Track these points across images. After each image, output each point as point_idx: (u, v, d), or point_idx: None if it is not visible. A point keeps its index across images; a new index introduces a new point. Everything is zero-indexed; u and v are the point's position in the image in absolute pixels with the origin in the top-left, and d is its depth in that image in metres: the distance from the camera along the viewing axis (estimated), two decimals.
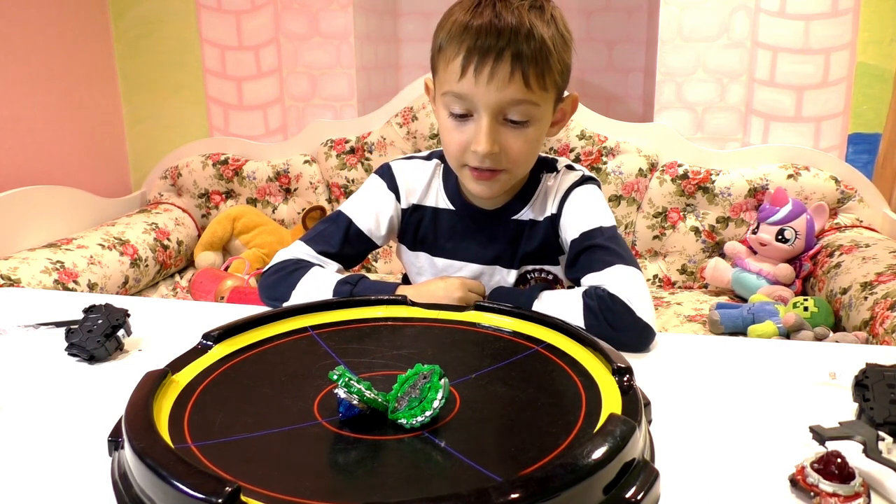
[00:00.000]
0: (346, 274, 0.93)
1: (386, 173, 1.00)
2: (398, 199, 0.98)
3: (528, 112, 0.83)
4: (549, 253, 0.96)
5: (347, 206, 0.99)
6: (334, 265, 0.96)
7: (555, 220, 0.94)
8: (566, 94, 0.91)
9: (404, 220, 0.99)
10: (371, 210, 0.98)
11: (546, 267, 0.97)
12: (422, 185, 0.98)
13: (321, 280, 0.90)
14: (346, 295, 0.86)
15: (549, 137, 0.92)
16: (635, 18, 2.22)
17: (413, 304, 0.81)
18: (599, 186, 0.96)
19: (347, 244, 0.97)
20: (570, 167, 0.96)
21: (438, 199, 0.98)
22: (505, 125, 0.84)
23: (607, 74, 2.29)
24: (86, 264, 1.73)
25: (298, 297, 0.89)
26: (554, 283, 0.98)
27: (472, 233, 0.96)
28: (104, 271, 1.77)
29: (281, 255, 0.96)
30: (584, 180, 0.94)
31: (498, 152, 0.84)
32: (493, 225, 0.96)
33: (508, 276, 0.96)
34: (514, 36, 0.79)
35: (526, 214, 0.95)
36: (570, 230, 0.91)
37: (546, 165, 0.96)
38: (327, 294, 0.87)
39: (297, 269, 0.92)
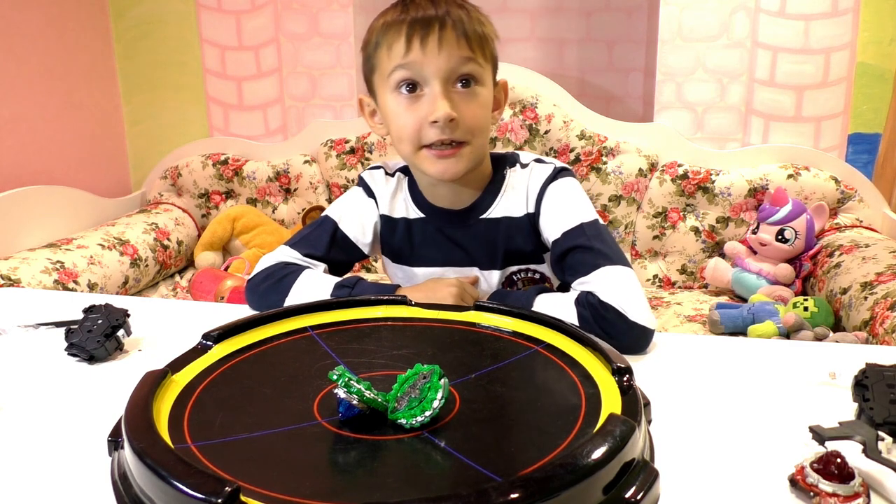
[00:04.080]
0: (342, 277, 0.92)
1: (362, 183, 1.00)
2: (377, 206, 0.98)
3: (477, 71, 0.86)
4: (533, 252, 0.94)
5: (332, 212, 0.99)
6: (322, 266, 0.95)
7: (533, 218, 0.92)
8: (498, 79, 0.93)
9: (382, 229, 0.99)
10: (356, 216, 0.98)
11: (532, 266, 0.95)
12: (388, 196, 0.98)
13: (316, 284, 0.89)
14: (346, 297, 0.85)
15: (493, 124, 0.92)
16: (635, 18, 2.22)
17: (413, 304, 0.81)
18: (574, 175, 0.95)
19: (334, 248, 0.96)
20: (539, 160, 0.95)
21: (408, 209, 0.97)
22: (456, 91, 0.85)
23: (607, 74, 2.28)
24: (86, 264, 1.73)
25: (293, 303, 0.87)
26: (542, 283, 0.97)
27: (446, 236, 0.95)
28: (104, 271, 1.77)
29: (266, 261, 0.94)
30: (557, 173, 0.93)
31: (456, 118, 0.84)
32: (464, 225, 0.94)
33: (491, 278, 0.95)
34: (449, 5, 0.85)
35: (496, 211, 0.94)
36: (551, 229, 0.89)
37: (507, 161, 0.96)
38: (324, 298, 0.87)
39: (286, 274, 0.91)
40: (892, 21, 1.84)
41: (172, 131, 2.30)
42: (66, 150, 2.07)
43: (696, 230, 1.93)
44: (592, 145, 1.96)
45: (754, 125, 1.96)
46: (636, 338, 0.78)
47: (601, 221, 0.89)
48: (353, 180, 2.12)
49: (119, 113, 2.30)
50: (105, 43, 2.22)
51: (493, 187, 0.94)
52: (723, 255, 1.90)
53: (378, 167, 1.01)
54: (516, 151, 0.98)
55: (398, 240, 0.98)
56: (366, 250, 0.98)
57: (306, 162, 2.16)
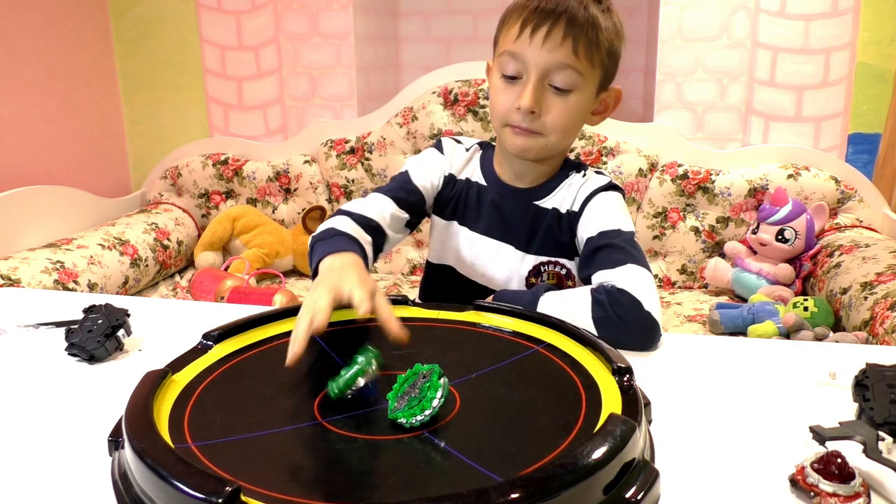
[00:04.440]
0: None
1: (438, 144, 1.07)
2: (447, 165, 1.05)
3: (573, 80, 0.89)
4: (567, 247, 0.99)
5: (407, 163, 1.06)
6: (396, 213, 0.99)
7: (573, 217, 0.97)
8: (612, 87, 0.97)
9: (442, 188, 1.05)
10: (424, 168, 1.04)
11: (561, 260, 0.99)
12: (461, 162, 1.05)
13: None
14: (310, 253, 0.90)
15: (589, 125, 0.96)
16: (635, 18, 2.22)
17: (414, 303, 0.81)
18: (624, 196, 1.00)
19: (403, 191, 1.02)
20: (599, 172, 1.01)
21: (473, 173, 1.04)
22: (549, 91, 0.90)
23: None
24: (86, 264, 1.73)
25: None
26: (566, 279, 1.00)
27: (496, 207, 1.01)
28: (104, 271, 1.77)
29: (327, 222, 0.95)
30: (610, 186, 0.98)
31: (538, 113, 0.90)
32: (516, 202, 1.00)
33: (523, 262, 0.99)
34: (571, 7, 0.88)
35: (547, 202, 0.99)
36: (588, 228, 0.94)
37: (576, 167, 1.02)
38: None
39: (319, 239, 0.92)
40: (892, 21, 1.84)
41: (172, 131, 2.30)
42: (66, 150, 2.07)
43: (696, 230, 1.93)
44: (592, 145, 1.96)
45: (754, 125, 1.96)
46: (648, 328, 0.79)
47: (636, 237, 0.94)
48: (353, 180, 2.12)
49: (119, 113, 2.30)
50: (105, 43, 2.22)
51: (554, 182, 1.00)
52: (723, 255, 1.90)
53: (458, 141, 1.08)
54: (587, 165, 1.05)
55: (453, 195, 1.04)
56: (427, 196, 1.04)
57: (306, 162, 2.16)
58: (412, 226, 1.04)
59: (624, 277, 0.83)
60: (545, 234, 0.99)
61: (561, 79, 0.89)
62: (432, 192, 1.04)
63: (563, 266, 1.00)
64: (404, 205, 1.00)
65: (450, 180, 1.04)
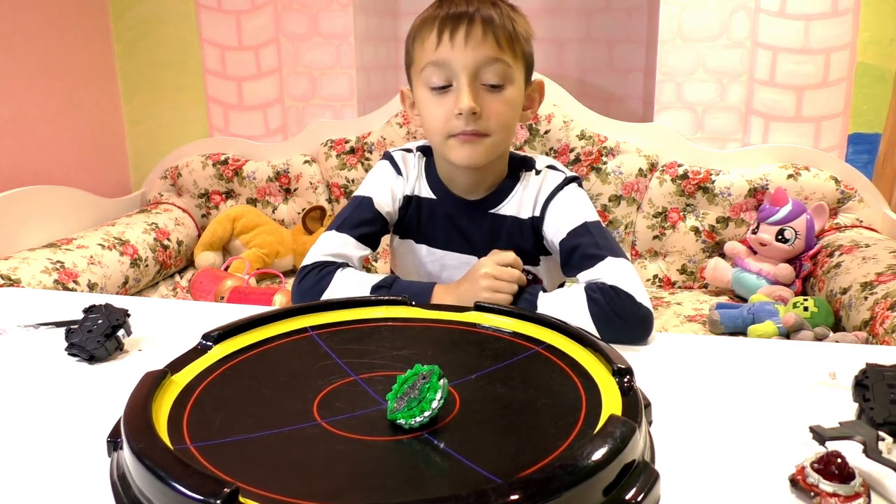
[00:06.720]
0: (379, 277, 0.92)
1: (391, 160, 1.03)
2: (405, 184, 1.02)
3: (504, 73, 0.89)
4: (530, 253, 0.98)
5: (365, 190, 1.01)
6: (366, 251, 0.98)
7: (537, 222, 0.96)
8: (534, 79, 0.96)
9: (400, 209, 1.02)
10: (387, 191, 1.01)
11: (527, 266, 0.98)
12: (414, 178, 1.02)
13: (350, 285, 0.91)
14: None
15: (523, 123, 0.96)
16: (635, 18, 2.21)
17: (413, 304, 0.81)
18: (581, 184, 0.99)
19: (375, 224, 0.99)
20: (552, 167, 0.99)
21: (422, 188, 1.02)
22: (483, 89, 0.89)
23: (607, 74, 2.28)
24: (86, 264, 1.73)
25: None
26: (534, 283, 0.99)
27: (451, 221, 0.99)
28: (104, 271, 1.77)
29: (308, 257, 0.96)
30: (566, 182, 0.97)
31: (479, 113, 0.88)
32: (471, 215, 0.98)
33: None
34: (481, 5, 0.88)
35: (505, 209, 0.97)
36: (557, 231, 0.93)
37: (525, 164, 0.99)
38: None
39: (322, 276, 0.93)
40: (892, 21, 1.84)
41: (172, 131, 2.30)
42: (66, 150, 2.07)
43: (696, 230, 1.93)
44: (592, 145, 1.96)
45: (754, 125, 1.96)
46: (643, 318, 0.81)
47: (602, 224, 0.93)
48: (353, 180, 2.12)
49: (119, 113, 2.30)
50: (105, 43, 2.22)
51: (506, 186, 0.98)
52: (723, 255, 1.90)
53: (407, 149, 1.05)
54: (533, 156, 1.02)
55: (410, 216, 1.02)
56: (391, 222, 1.03)
57: (306, 162, 2.16)
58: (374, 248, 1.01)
59: (609, 274, 0.85)
60: (507, 242, 0.97)
61: (493, 74, 0.88)
62: (394, 215, 1.02)
63: (528, 272, 0.99)
64: (367, 240, 0.98)
65: (408, 201, 1.02)
